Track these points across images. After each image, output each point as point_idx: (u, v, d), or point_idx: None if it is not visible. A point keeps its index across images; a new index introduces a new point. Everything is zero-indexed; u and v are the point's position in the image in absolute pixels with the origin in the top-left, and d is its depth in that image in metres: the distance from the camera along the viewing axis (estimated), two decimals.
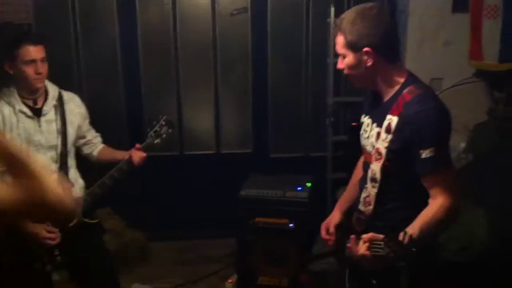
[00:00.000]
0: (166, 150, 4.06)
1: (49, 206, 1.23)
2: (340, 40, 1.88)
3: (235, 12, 4.10)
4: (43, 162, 1.30)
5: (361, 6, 1.89)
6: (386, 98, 1.92)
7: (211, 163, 4.28)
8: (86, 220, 2.57)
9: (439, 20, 3.96)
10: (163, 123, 2.61)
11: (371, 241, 1.70)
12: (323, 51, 4.10)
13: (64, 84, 2.69)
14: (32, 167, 1.24)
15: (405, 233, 1.64)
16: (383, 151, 1.86)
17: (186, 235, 4.21)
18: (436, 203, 1.79)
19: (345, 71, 1.94)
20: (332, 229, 2.20)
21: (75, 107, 2.67)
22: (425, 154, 1.76)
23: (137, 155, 2.57)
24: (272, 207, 3.40)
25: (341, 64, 1.93)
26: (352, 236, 1.78)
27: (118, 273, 2.84)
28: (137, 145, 2.61)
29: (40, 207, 1.24)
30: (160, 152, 3.91)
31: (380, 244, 1.67)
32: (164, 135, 2.61)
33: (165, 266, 3.94)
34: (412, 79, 1.90)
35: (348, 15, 1.88)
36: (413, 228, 1.72)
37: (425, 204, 1.81)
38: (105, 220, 3.72)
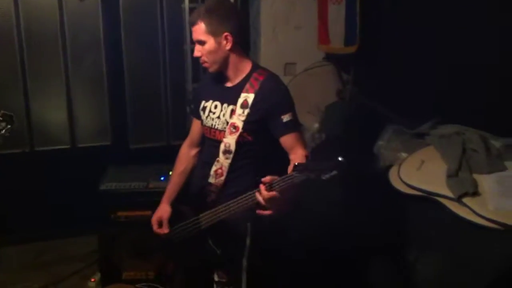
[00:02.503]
0: (14, 147, 3.79)
1: None
2: (200, 27, 2.13)
3: None
4: None
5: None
6: (235, 81, 2.23)
7: (66, 159, 4.03)
8: None
9: (289, 5, 4.11)
10: (1, 118, 2.40)
11: (271, 182, 1.96)
12: (180, 37, 4.05)
13: None
14: None
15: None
16: (240, 124, 2.17)
17: (42, 236, 3.96)
18: (300, 156, 2.12)
19: (203, 58, 2.18)
20: (165, 222, 2.42)
21: None
22: (286, 118, 2.14)
23: None
24: (135, 199, 3.30)
25: (198, 52, 2.18)
26: (261, 185, 1.99)
27: None
28: None
29: None
30: (7, 150, 3.65)
31: (285, 179, 1.93)
32: (3, 131, 2.39)
33: (20, 270, 3.67)
34: (256, 65, 2.27)
35: (207, 5, 2.16)
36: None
37: (268, 171, 2.05)
38: None
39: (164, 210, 2.46)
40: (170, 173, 3.41)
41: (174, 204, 2.48)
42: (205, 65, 2.21)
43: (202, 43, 2.15)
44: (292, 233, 2.72)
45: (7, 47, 3.81)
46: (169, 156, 2.81)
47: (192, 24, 2.16)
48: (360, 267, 2.79)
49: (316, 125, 3.68)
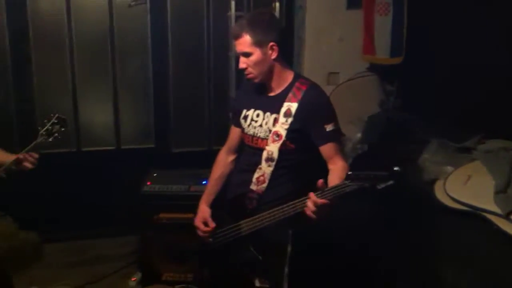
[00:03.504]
0: (62, 147, 3.91)
1: None
2: (245, 39, 2.16)
3: (132, 3, 3.99)
4: None
5: (256, 10, 2.33)
6: (277, 91, 2.27)
7: (111, 159, 4.13)
8: None
9: (333, 16, 4.12)
10: (55, 121, 2.47)
11: (323, 190, 1.97)
12: (225, 44, 4.10)
13: None
14: None
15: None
16: (283, 132, 2.20)
17: (84, 234, 4.06)
18: (340, 166, 2.18)
19: (249, 69, 2.21)
20: (210, 220, 2.44)
21: None
22: (328, 127, 2.18)
23: (26, 156, 2.41)
24: (176, 202, 3.35)
25: (244, 64, 2.21)
26: (311, 193, 2.00)
27: (11, 277, 2.66)
28: (20, 154, 2.43)
29: None
30: (56, 149, 3.76)
31: (338, 188, 1.94)
32: (56, 134, 2.47)
33: (62, 267, 3.75)
34: (298, 74, 2.32)
35: (249, 17, 2.22)
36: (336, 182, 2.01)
37: (306, 178, 2.13)
38: None
39: (205, 210, 2.50)
40: None
41: (212, 209, 2.50)
42: (250, 76, 2.24)
43: (247, 55, 2.18)
44: (332, 240, 2.71)
45: (58, 51, 3.95)
46: (210, 161, 2.85)
47: (236, 37, 2.18)
48: (401, 280, 2.75)
49: (358, 136, 3.66)
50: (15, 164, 2.39)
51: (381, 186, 1.80)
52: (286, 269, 2.12)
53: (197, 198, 3.29)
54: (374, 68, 4.09)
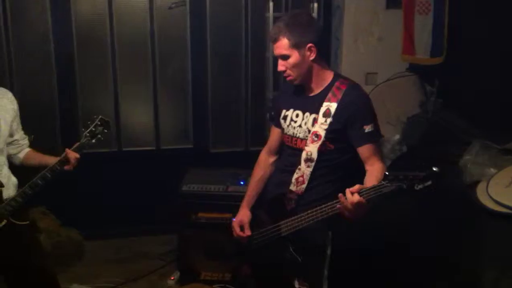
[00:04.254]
0: (103, 147, 3.99)
1: None
2: (283, 42, 2.15)
3: (173, 5, 4.05)
4: None
5: (292, 12, 2.31)
6: (317, 91, 2.25)
7: (151, 159, 4.21)
8: (16, 221, 2.45)
9: (372, 15, 4.08)
10: (99, 123, 2.52)
11: (359, 191, 1.96)
12: (262, 45, 4.12)
13: None
14: None
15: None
16: (322, 133, 2.19)
17: (122, 232, 4.14)
18: (377, 167, 2.16)
19: (288, 72, 2.20)
20: (247, 226, 2.45)
21: (8, 102, 2.54)
22: (367, 128, 2.15)
23: (70, 155, 2.47)
24: (214, 201, 3.39)
25: (282, 66, 2.20)
26: (340, 195, 2.00)
27: (56, 275, 2.73)
28: (67, 150, 2.49)
29: None
30: (97, 149, 3.84)
31: (375, 188, 1.92)
32: (99, 135, 2.52)
33: (102, 264, 3.84)
34: (337, 74, 2.30)
35: (286, 20, 2.19)
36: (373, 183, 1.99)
37: (345, 179, 2.13)
38: (39, 219, 3.59)
39: (245, 214, 2.50)
40: (249, 178, 3.51)
41: (252, 210, 2.51)
42: (289, 78, 2.23)
43: (286, 57, 2.17)
44: (371, 242, 2.69)
45: (100, 52, 4.05)
46: (247, 161, 2.87)
47: (274, 40, 2.18)
48: (441, 282, 2.71)
49: (397, 137, 3.61)
50: (59, 164, 2.46)
51: (419, 187, 1.78)
52: (326, 271, 2.11)
53: (234, 198, 3.34)
54: (413, 68, 4.03)
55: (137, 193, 4.02)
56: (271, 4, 4.00)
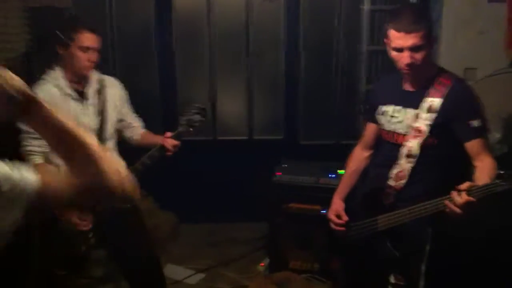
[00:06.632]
0: (199, 135, 4.15)
1: (109, 190, 1.19)
2: (420, 34, 2.06)
3: None
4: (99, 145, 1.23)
5: (410, 4, 2.27)
6: (418, 85, 2.22)
7: (243, 149, 4.33)
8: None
9: (473, 9, 3.93)
10: (196, 111, 2.61)
11: (470, 189, 1.92)
12: (356, 38, 4.09)
13: (98, 70, 2.69)
14: (92, 151, 1.18)
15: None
16: (425, 128, 2.16)
17: (215, 217, 4.28)
18: (488, 163, 2.10)
19: (416, 63, 2.10)
20: (343, 213, 2.46)
21: (117, 90, 2.72)
22: (475, 123, 2.11)
23: (169, 142, 2.59)
24: (305, 193, 3.44)
25: (412, 58, 2.09)
26: (453, 192, 1.96)
27: (159, 256, 2.89)
28: (167, 133, 2.62)
29: (100, 191, 1.19)
30: (193, 137, 4.01)
31: (488, 187, 1.89)
32: (197, 124, 2.61)
33: (195, 247, 4.02)
34: (441, 68, 2.26)
35: (414, 11, 2.17)
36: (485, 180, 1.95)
37: (446, 176, 2.12)
38: (139, 201, 3.80)
39: (338, 204, 2.52)
40: (340, 171, 3.52)
41: (346, 203, 2.52)
42: (409, 71, 2.14)
43: (419, 48, 2.08)
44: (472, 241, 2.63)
45: (198, 44, 4.21)
46: (338, 155, 2.89)
47: (410, 31, 2.05)
48: None
49: (498, 135, 3.48)
50: (159, 151, 2.60)
51: None
52: (423, 267, 2.10)
53: (325, 190, 3.37)
54: None
55: (229, 181, 4.13)
56: None
